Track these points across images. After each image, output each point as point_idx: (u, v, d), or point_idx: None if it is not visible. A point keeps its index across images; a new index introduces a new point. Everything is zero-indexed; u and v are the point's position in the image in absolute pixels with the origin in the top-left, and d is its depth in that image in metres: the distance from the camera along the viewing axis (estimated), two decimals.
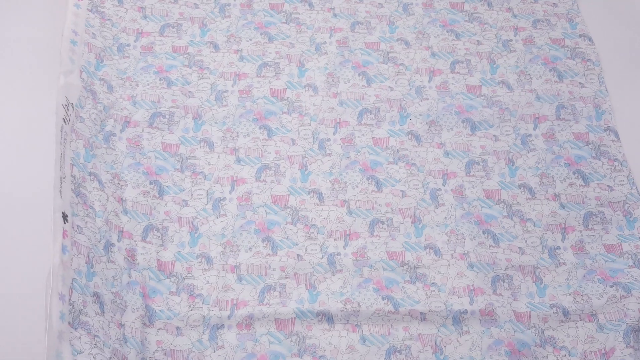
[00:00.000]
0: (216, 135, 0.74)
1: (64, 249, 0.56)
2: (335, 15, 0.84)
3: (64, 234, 0.57)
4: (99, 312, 0.57)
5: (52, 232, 0.56)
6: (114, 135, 0.71)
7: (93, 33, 0.75)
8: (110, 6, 0.79)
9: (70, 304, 0.54)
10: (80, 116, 0.67)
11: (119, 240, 0.64)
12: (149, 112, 0.74)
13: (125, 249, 0.64)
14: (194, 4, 0.83)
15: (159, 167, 0.71)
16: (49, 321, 0.52)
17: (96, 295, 0.58)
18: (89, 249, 0.59)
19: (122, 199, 0.67)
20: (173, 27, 0.81)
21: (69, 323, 0.53)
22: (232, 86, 0.78)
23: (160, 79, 0.77)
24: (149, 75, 0.76)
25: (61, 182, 0.59)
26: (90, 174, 0.64)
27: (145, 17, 0.81)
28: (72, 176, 0.62)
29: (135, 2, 0.81)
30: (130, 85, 0.75)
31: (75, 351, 0.53)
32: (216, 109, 0.76)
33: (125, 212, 0.67)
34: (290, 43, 0.81)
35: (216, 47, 0.80)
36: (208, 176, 0.72)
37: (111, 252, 0.62)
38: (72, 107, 0.66)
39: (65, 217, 0.58)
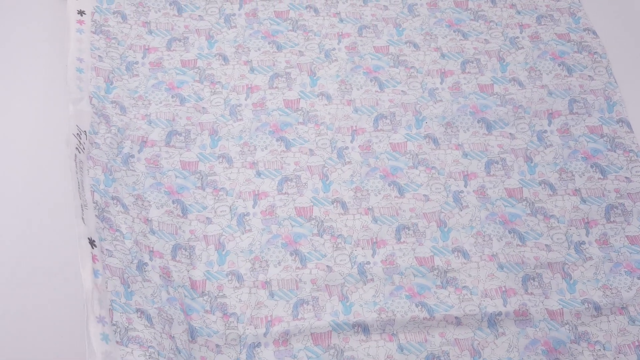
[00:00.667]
0: (234, 150, 0.74)
1: (96, 273, 0.55)
2: (341, 20, 0.84)
3: (94, 259, 0.56)
4: (148, 324, 0.56)
5: (80, 259, 0.56)
6: (132, 156, 0.70)
7: (99, 56, 0.73)
8: (114, 24, 0.77)
9: (114, 324, 0.54)
10: (95, 142, 0.66)
11: (151, 259, 0.63)
12: (165, 130, 0.73)
13: (160, 266, 0.63)
14: (199, 15, 0.82)
15: (180, 186, 0.70)
16: (89, 346, 0.52)
17: (140, 311, 0.57)
18: (122, 270, 0.58)
19: (147, 219, 0.66)
20: (180, 40, 0.80)
21: (117, 342, 0.53)
22: (246, 100, 0.77)
23: (172, 96, 0.75)
24: (160, 93, 0.75)
25: (82, 210, 0.58)
26: (112, 198, 0.63)
27: (150, 32, 0.80)
28: (94, 202, 0.61)
29: (139, 17, 0.80)
30: (143, 104, 0.74)
31: None
32: (232, 123, 0.75)
33: (153, 232, 0.66)
34: (300, 51, 0.81)
35: (225, 59, 0.80)
36: (230, 192, 0.71)
37: (145, 271, 0.61)
38: (85, 134, 0.65)
39: (92, 242, 0.57)
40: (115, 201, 0.63)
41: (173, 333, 0.58)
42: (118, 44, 0.76)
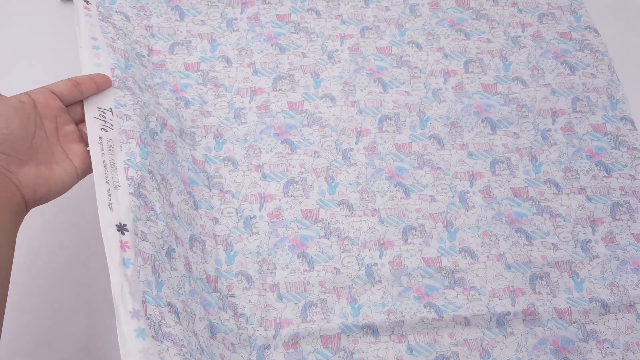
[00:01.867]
0: (239, 153, 0.73)
1: (125, 262, 0.51)
2: (343, 22, 0.84)
3: (124, 247, 0.52)
4: (177, 320, 0.53)
5: (107, 250, 0.51)
6: (157, 134, 0.67)
7: (112, 37, 0.70)
8: (118, 19, 0.76)
9: (147, 318, 0.50)
10: (125, 114, 0.61)
11: (177, 246, 0.60)
12: (177, 125, 0.72)
13: (183, 255, 0.61)
14: (201, 20, 0.82)
15: (191, 180, 0.69)
16: (124, 344, 0.47)
17: (170, 305, 0.53)
18: (154, 257, 0.55)
19: (171, 203, 0.64)
20: (182, 44, 0.80)
21: (153, 337, 0.49)
22: (250, 102, 0.77)
23: (177, 98, 0.75)
24: (166, 92, 0.75)
25: (109, 195, 0.54)
26: (149, 171, 0.60)
27: (153, 35, 0.79)
28: (128, 179, 0.56)
29: (141, 21, 0.79)
30: (154, 94, 0.72)
31: None
32: (236, 126, 0.75)
33: (175, 217, 0.64)
34: (302, 52, 0.81)
35: (228, 62, 0.79)
36: (235, 195, 0.71)
37: (173, 258, 0.58)
38: (111, 111, 0.60)
39: (122, 228, 0.53)
40: (150, 175, 0.60)
41: (196, 330, 0.57)
42: (125, 36, 0.75)
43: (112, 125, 0.60)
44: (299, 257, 0.68)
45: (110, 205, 0.54)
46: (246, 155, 0.73)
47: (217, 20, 0.82)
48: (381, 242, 0.69)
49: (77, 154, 0.57)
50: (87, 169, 0.57)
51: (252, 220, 0.69)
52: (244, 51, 0.80)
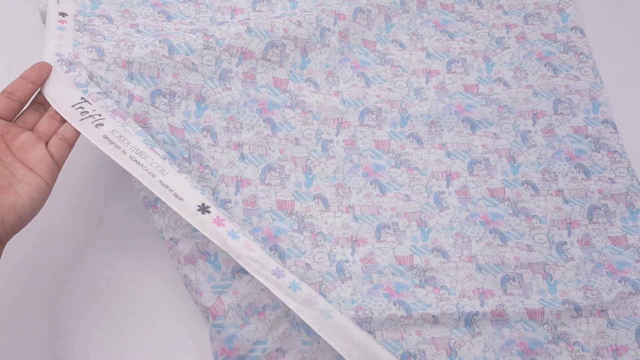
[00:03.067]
0: (219, 124, 0.71)
1: (233, 235, 0.51)
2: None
3: (219, 224, 0.51)
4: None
5: (211, 238, 0.51)
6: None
7: (89, 47, 0.68)
8: (99, 24, 0.74)
9: (284, 267, 0.54)
10: (97, 93, 0.60)
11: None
12: (149, 89, 0.67)
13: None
14: (190, 22, 0.80)
15: (168, 154, 0.65)
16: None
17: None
18: (230, 218, 0.54)
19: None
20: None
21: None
22: (237, 66, 0.73)
23: (160, 41, 0.70)
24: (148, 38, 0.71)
25: (167, 187, 0.53)
26: (203, 129, 0.59)
27: (139, 32, 0.77)
28: (165, 159, 0.55)
29: (126, 20, 0.77)
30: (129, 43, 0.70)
31: None
32: (220, 92, 0.72)
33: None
34: (298, 21, 0.77)
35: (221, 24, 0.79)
36: (214, 172, 0.68)
37: (227, 209, 0.60)
38: (85, 100, 0.59)
39: (204, 209, 0.52)
40: (205, 132, 0.60)
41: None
42: (104, 39, 0.72)
43: (100, 115, 0.58)
44: (271, 249, 0.67)
45: (176, 195, 0.52)
46: (227, 128, 0.72)
47: (206, 23, 0.80)
48: (354, 239, 0.69)
49: (38, 159, 0.54)
50: (55, 170, 0.55)
51: (227, 204, 0.68)
52: (239, 13, 0.80)
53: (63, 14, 0.72)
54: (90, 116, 0.57)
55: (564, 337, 0.65)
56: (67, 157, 0.57)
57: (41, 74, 0.59)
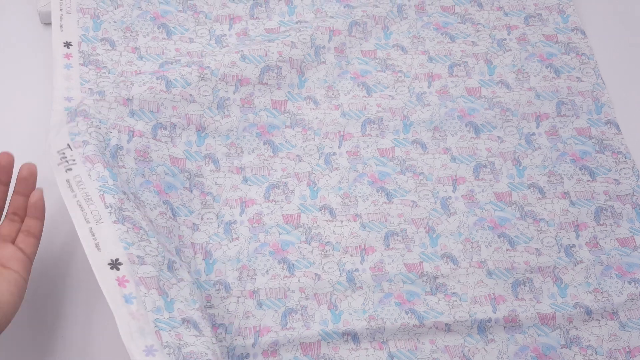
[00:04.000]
0: (220, 151, 0.72)
1: (128, 299, 0.50)
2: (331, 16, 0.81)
3: (122, 283, 0.51)
4: (197, 333, 0.53)
5: (105, 292, 0.51)
6: (121, 148, 0.65)
7: (90, 89, 0.71)
8: (102, 52, 0.75)
9: (165, 346, 0.49)
10: (83, 141, 0.61)
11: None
12: (150, 124, 0.69)
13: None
14: (189, 38, 0.80)
15: (168, 185, 0.68)
16: None
17: (186, 320, 0.53)
18: (157, 279, 0.53)
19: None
20: (171, 64, 0.76)
21: None
22: (234, 93, 0.74)
23: (157, 78, 0.71)
24: (145, 76, 0.72)
25: (93, 235, 0.53)
26: (123, 193, 0.59)
27: (140, 57, 0.77)
28: (107, 207, 0.56)
29: (127, 43, 0.77)
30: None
31: None
32: (219, 119, 0.73)
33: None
34: (292, 42, 0.77)
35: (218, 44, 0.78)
36: (217, 198, 0.70)
37: (175, 270, 0.57)
38: (69, 147, 0.60)
39: (116, 263, 0.52)
40: (126, 196, 0.59)
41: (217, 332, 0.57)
42: (109, 73, 0.74)
43: (74, 160, 0.59)
44: (279, 262, 0.67)
45: (97, 245, 0.53)
46: (228, 154, 0.72)
47: (205, 37, 0.80)
48: (363, 247, 0.68)
49: (10, 256, 0.55)
50: (28, 265, 0.56)
51: (233, 225, 0.69)
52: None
53: (68, 44, 0.74)
54: (66, 161, 0.59)
55: (576, 341, 0.64)
56: (36, 250, 0.58)
57: (5, 160, 0.59)
